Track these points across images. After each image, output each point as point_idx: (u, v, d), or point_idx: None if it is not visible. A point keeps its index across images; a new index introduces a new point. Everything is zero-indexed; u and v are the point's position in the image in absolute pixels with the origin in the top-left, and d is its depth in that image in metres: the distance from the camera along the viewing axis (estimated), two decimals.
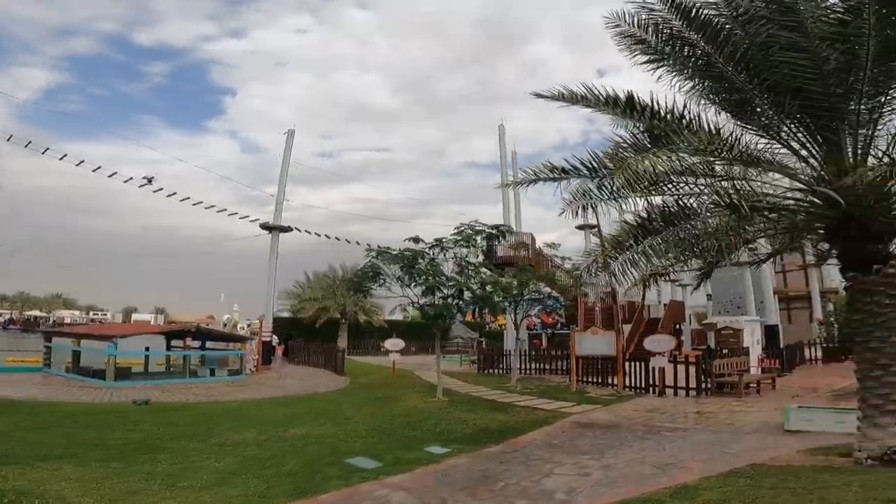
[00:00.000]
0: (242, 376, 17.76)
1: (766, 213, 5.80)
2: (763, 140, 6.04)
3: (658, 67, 6.31)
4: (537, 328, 27.23)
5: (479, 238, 13.41)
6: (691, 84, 6.25)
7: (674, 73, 6.31)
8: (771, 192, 5.94)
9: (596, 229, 18.50)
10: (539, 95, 6.28)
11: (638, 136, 5.74)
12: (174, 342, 18.89)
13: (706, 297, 27.09)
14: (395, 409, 12.19)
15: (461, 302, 13.44)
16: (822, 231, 6.29)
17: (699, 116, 5.89)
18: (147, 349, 18.28)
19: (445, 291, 12.98)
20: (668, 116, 5.64)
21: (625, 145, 5.62)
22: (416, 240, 13.32)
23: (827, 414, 8.23)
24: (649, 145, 5.36)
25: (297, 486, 5.98)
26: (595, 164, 5.94)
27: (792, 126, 5.78)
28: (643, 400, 12.64)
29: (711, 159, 5.54)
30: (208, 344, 18.79)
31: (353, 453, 7.58)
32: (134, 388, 14.26)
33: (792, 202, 6.02)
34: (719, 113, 6.33)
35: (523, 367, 19.53)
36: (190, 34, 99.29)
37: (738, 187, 5.35)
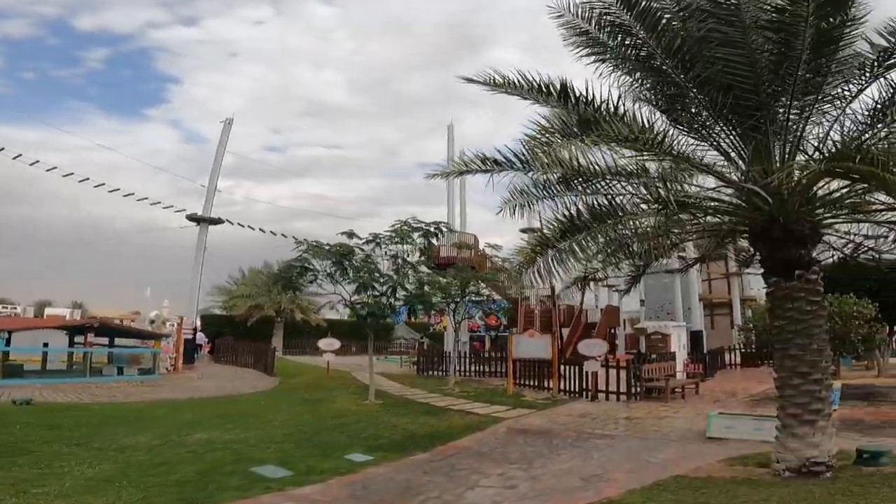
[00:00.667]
0: (155, 376, 16.39)
1: (693, 211, 5.74)
2: (693, 139, 6.00)
3: (601, 62, 6.22)
4: (480, 330, 27.12)
5: (415, 235, 12.88)
6: (630, 79, 6.16)
7: (614, 68, 6.21)
8: (699, 191, 5.89)
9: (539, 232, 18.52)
10: (469, 80, 5.96)
11: (568, 123, 5.48)
12: (79, 338, 17.16)
13: (640, 302, 27.98)
14: (322, 412, 11.50)
15: (395, 300, 12.88)
16: (746, 234, 6.30)
17: (633, 110, 5.76)
18: (46, 345, 16.44)
19: (379, 289, 12.37)
20: (603, 106, 5.42)
21: (552, 130, 5.35)
22: (350, 234, 12.65)
23: (746, 421, 8.42)
24: (578, 132, 5.11)
25: (182, 498, 5.30)
26: (528, 157, 5.67)
27: (723, 126, 5.75)
28: (576, 404, 12.62)
29: (644, 153, 5.38)
30: (118, 341, 17.21)
31: (261, 461, 6.91)
32: (23, 386, 12.77)
33: (718, 203, 5.98)
34: (654, 113, 6.29)
35: (463, 369, 19.27)
36: (137, 21, 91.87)
37: (669, 186, 5.22)
